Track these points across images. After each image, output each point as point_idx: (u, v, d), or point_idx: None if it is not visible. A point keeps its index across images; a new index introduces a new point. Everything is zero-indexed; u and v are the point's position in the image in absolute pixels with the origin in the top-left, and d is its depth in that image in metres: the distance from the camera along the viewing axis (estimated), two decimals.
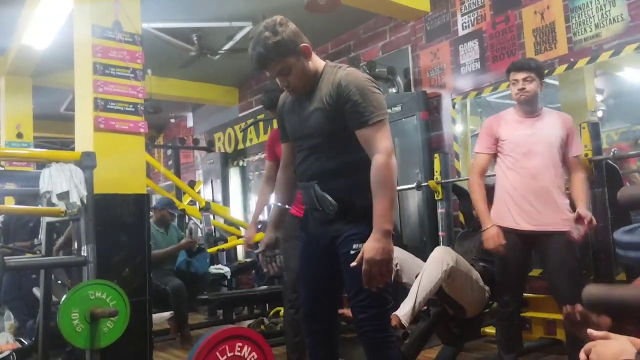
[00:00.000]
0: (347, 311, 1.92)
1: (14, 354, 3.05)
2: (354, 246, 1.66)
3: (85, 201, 2.48)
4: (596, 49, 3.35)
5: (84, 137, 2.73)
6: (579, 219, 2.35)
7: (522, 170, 2.51)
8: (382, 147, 1.62)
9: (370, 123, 1.63)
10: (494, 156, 2.62)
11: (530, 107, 2.54)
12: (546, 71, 2.96)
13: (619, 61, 3.36)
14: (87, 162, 2.51)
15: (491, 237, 2.48)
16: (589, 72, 3.52)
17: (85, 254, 2.48)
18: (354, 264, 1.58)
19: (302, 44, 1.68)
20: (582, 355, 0.95)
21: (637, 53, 3.17)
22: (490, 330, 3.49)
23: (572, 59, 3.45)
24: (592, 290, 1.42)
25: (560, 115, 2.60)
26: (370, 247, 1.57)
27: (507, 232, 2.52)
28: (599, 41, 3.34)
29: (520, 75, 2.50)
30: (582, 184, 2.50)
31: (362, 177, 1.64)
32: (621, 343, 0.92)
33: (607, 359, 0.90)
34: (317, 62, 1.76)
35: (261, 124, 6.38)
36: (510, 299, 2.54)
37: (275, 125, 2.89)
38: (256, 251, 1.96)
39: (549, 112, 2.58)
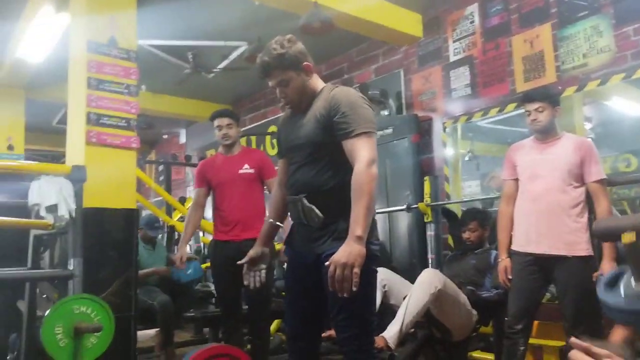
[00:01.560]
0: (333, 332, 1.91)
1: None
2: (329, 244, 1.70)
3: (73, 215, 2.47)
4: (584, 78, 3.43)
5: (75, 151, 2.73)
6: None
7: (527, 193, 2.57)
8: (362, 156, 1.64)
9: (355, 134, 1.67)
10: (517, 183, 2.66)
11: (544, 134, 2.57)
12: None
13: (606, 90, 3.43)
14: (77, 176, 2.51)
15: (499, 271, 2.64)
16: (577, 100, 3.59)
17: (72, 268, 2.46)
18: (327, 263, 1.58)
19: (305, 62, 1.78)
20: None
21: (624, 83, 3.25)
22: (478, 354, 3.48)
23: (560, 87, 3.52)
24: (599, 223, 1.48)
25: (577, 140, 2.59)
26: (339, 250, 1.58)
27: (518, 254, 2.57)
28: (586, 70, 3.42)
29: (531, 107, 2.54)
30: (602, 218, 2.40)
31: (350, 195, 1.64)
32: None
33: None
34: (317, 82, 1.84)
35: (254, 141, 6.41)
36: (514, 321, 2.52)
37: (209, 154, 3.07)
38: (239, 262, 1.95)
39: (567, 138, 2.57)
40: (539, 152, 2.57)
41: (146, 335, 4.48)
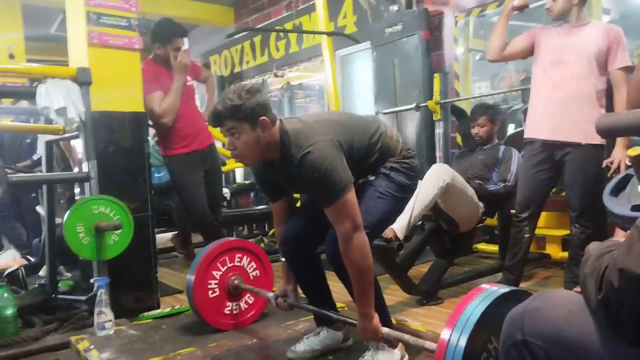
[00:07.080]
0: None
1: (22, 269, 3.16)
2: (369, 177, 1.87)
3: (83, 118, 2.48)
4: None
5: (78, 53, 2.67)
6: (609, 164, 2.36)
7: (548, 79, 2.52)
8: (343, 228, 1.64)
9: (333, 203, 1.64)
10: (523, 53, 2.64)
11: (565, 20, 2.49)
12: None
13: None
14: (83, 78, 2.48)
15: None
16: None
17: (87, 170, 2.52)
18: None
19: (262, 117, 1.67)
20: None
21: None
22: (482, 246, 3.62)
23: None
24: (601, 120, 1.43)
25: (605, 26, 2.50)
26: (358, 327, 1.75)
27: (530, 142, 2.58)
28: None
29: None
30: (619, 107, 2.36)
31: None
32: None
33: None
34: (275, 134, 1.73)
35: (258, 44, 6.23)
36: (521, 209, 2.60)
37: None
38: None
39: (594, 24, 2.49)
40: (566, 36, 2.49)
41: (163, 238, 4.67)
